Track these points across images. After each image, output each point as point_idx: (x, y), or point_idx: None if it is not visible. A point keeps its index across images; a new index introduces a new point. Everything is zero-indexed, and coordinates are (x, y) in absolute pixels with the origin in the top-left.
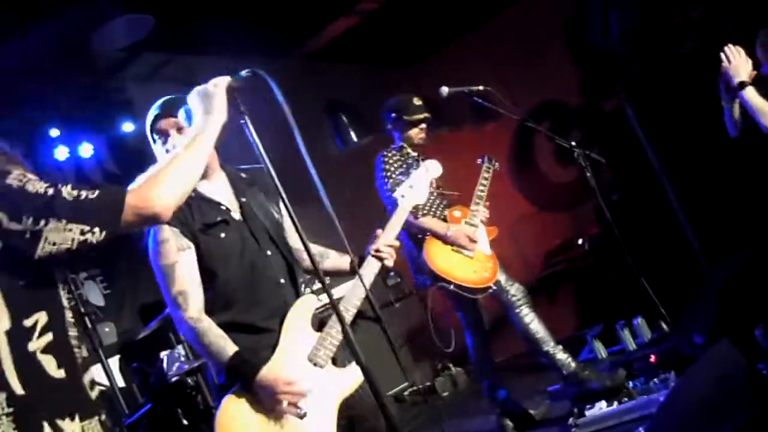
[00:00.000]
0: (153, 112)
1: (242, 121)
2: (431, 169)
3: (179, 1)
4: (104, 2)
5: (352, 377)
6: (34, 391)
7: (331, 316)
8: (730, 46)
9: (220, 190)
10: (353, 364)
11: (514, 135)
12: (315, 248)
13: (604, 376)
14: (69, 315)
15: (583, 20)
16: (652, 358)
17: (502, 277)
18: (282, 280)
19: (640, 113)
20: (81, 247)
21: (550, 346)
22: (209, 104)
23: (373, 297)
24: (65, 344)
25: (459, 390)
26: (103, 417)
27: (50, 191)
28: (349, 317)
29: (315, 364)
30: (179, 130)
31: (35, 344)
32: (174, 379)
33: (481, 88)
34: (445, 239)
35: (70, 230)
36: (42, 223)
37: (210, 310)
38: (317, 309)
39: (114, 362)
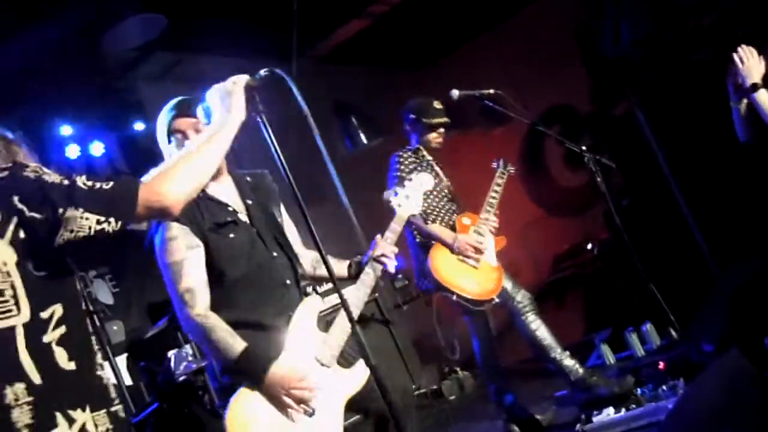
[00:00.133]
0: (168, 112)
1: (259, 120)
2: (424, 182)
3: (190, 2)
4: (117, 2)
5: (357, 377)
6: (50, 381)
7: (337, 318)
8: (744, 47)
9: (226, 191)
10: (358, 364)
11: (524, 139)
12: (311, 254)
13: (613, 382)
14: (82, 304)
15: (595, 26)
16: (661, 365)
17: (508, 284)
18: (288, 281)
19: (651, 118)
20: (98, 235)
21: (557, 353)
22: (228, 102)
23: (381, 300)
24: (79, 336)
25: (466, 394)
26: (114, 408)
27: (66, 181)
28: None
29: (322, 364)
30: (197, 130)
31: (50, 336)
32: (181, 378)
33: (491, 91)
34: (451, 248)
35: (87, 219)
36: (60, 211)
37: (215, 308)
38: (322, 311)
39: (122, 360)
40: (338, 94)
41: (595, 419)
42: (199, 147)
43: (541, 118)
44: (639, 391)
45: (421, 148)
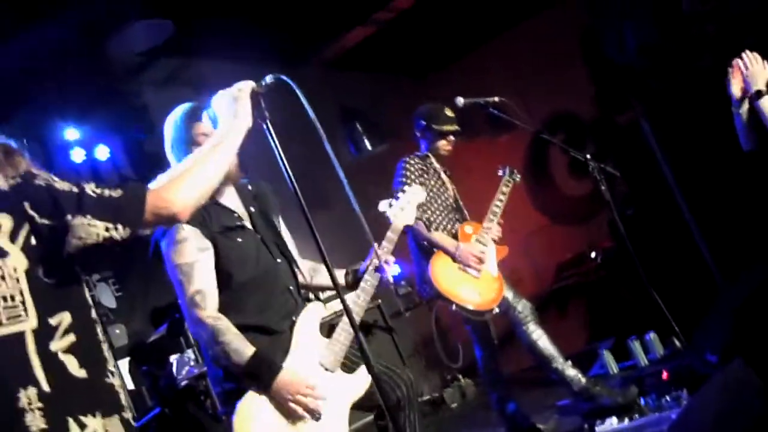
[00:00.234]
0: (187, 119)
1: (264, 126)
2: (417, 194)
3: (196, 7)
4: (124, 6)
5: (361, 382)
6: (58, 388)
7: (339, 323)
8: (748, 52)
9: (231, 198)
10: (361, 368)
11: (529, 146)
12: (306, 263)
13: (616, 392)
14: (94, 313)
15: (599, 34)
16: (665, 375)
17: (509, 294)
18: (291, 287)
19: (656, 127)
20: (106, 242)
21: (559, 363)
22: (234, 108)
23: (384, 306)
24: (90, 344)
25: (468, 402)
26: (126, 415)
27: (75, 189)
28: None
29: (326, 369)
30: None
31: (57, 344)
32: (183, 383)
33: (496, 99)
34: (453, 257)
35: (95, 226)
36: (69, 218)
37: (223, 311)
38: (324, 317)
39: (124, 364)
40: (343, 100)
41: (598, 429)
42: (207, 153)
43: (546, 125)
44: (642, 401)
45: (430, 155)
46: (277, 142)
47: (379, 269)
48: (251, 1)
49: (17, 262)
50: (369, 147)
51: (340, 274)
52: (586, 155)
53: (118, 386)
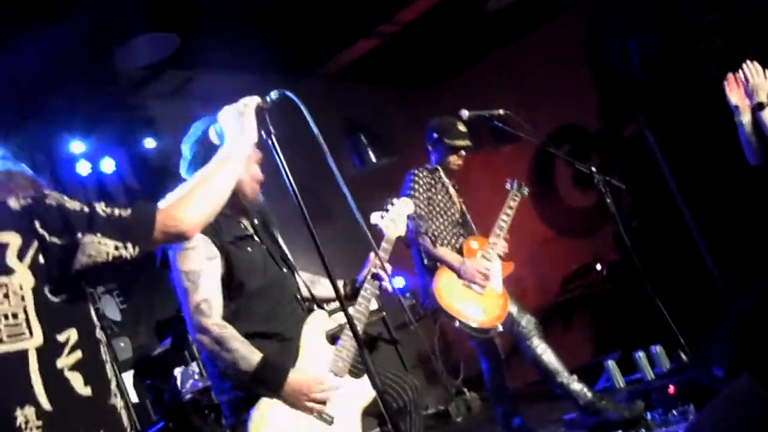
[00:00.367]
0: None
1: (269, 142)
2: (406, 206)
3: (201, 21)
4: (130, 19)
5: (366, 391)
6: (60, 407)
7: (345, 330)
8: (750, 63)
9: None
10: (366, 377)
11: (533, 158)
12: (304, 275)
13: (622, 406)
14: (100, 333)
15: (604, 46)
16: (671, 389)
17: (513, 309)
18: (297, 296)
19: (661, 139)
20: (115, 261)
21: (564, 377)
22: (240, 124)
23: (388, 319)
24: (95, 362)
25: (473, 415)
26: None
27: (86, 208)
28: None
29: (335, 374)
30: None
31: (63, 361)
32: (188, 396)
33: (501, 112)
34: (458, 273)
35: (105, 245)
36: (79, 236)
37: (233, 319)
38: (330, 329)
39: (128, 377)
40: (347, 112)
41: None
42: (214, 170)
43: (551, 137)
44: (649, 415)
45: (439, 168)
46: (281, 157)
47: (377, 277)
48: (256, 15)
49: (24, 279)
50: (373, 159)
51: (339, 285)
52: (591, 168)
53: (122, 407)
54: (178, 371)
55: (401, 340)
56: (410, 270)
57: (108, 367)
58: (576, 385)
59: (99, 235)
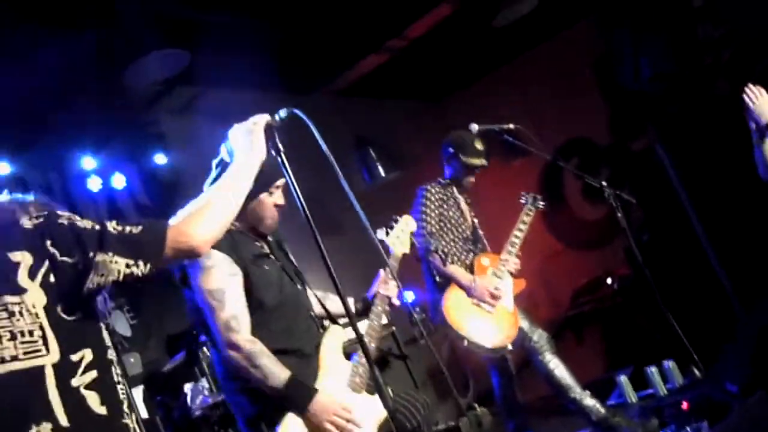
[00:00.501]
0: None
1: (279, 159)
2: (409, 224)
3: (211, 37)
4: (141, 36)
5: (380, 407)
6: (77, 424)
7: (357, 348)
8: (751, 86)
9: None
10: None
11: (543, 171)
12: (317, 292)
13: (636, 423)
14: (112, 353)
15: (614, 60)
16: (684, 405)
17: (524, 324)
18: (312, 312)
19: (671, 153)
20: (127, 279)
21: (577, 393)
22: (249, 142)
23: (398, 334)
24: (109, 382)
25: (484, 431)
26: None
27: (97, 227)
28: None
29: (353, 391)
30: None
31: (78, 380)
32: (197, 412)
33: (511, 126)
34: (468, 292)
35: (116, 263)
36: (91, 255)
37: (252, 335)
38: (345, 342)
39: (138, 393)
40: (356, 127)
41: None
42: (223, 187)
43: (560, 150)
44: None
45: (452, 183)
46: (291, 174)
47: (386, 294)
48: (265, 30)
49: (35, 298)
50: (382, 174)
51: (350, 303)
52: (601, 182)
53: (133, 428)
54: (188, 387)
55: (411, 355)
56: (421, 284)
57: (119, 387)
58: (589, 401)
59: (110, 253)
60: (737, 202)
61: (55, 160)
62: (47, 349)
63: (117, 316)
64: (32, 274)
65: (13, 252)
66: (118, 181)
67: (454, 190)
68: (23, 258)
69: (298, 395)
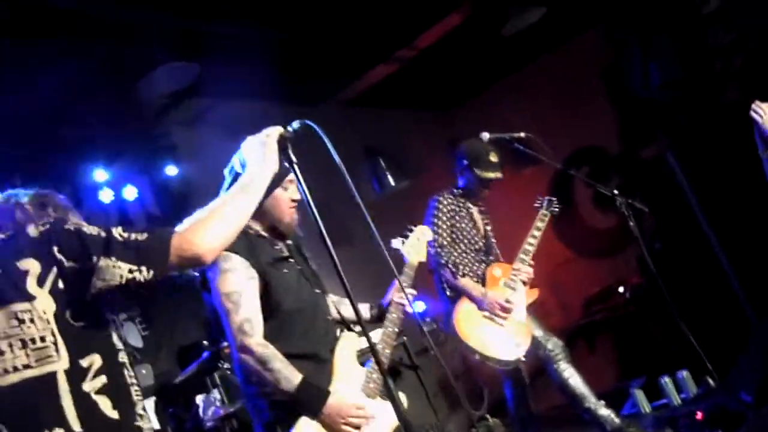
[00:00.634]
0: None
1: (291, 171)
2: (424, 233)
3: (220, 49)
4: (151, 49)
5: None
6: (90, 429)
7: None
8: (758, 103)
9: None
10: (398, 395)
11: (553, 179)
12: (332, 297)
13: None
14: (123, 356)
15: (623, 67)
16: (699, 415)
17: (538, 332)
18: (329, 317)
19: (682, 161)
20: (129, 283)
21: (592, 402)
22: (262, 154)
23: (409, 345)
24: (120, 386)
25: None
26: None
27: (103, 233)
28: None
29: (367, 396)
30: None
31: (89, 385)
32: (209, 424)
33: (522, 135)
34: (479, 305)
35: (119, 267)
36: (94, 259)
37: (270, 339)
38: (360, 350)
39: (150, 404)
40: (366, 137)
41: None
42: (233, 197)
43: (570, 158)
44: None
45: (465, 192)
46: (303, 185)
47: (400, 303)
48: (274, 41)
49: (45, 305)
50: (392, 183)
51: (365, 308)
52: (613, 190)
53: (147, 429)
54: (200, 398)
55: (422, 365)
56: (432, 294)
57: (133, 390)
58: (603, 411)
59: (114, 258)
60: (749, 210)
61: (67, 173)
62: (58, 355)
63: (129, 327)
64: (41, 282)
65: (21, 260)
66: (130, 192)
67: (467, 200)
68: (31, 266)
69: (311, 398)
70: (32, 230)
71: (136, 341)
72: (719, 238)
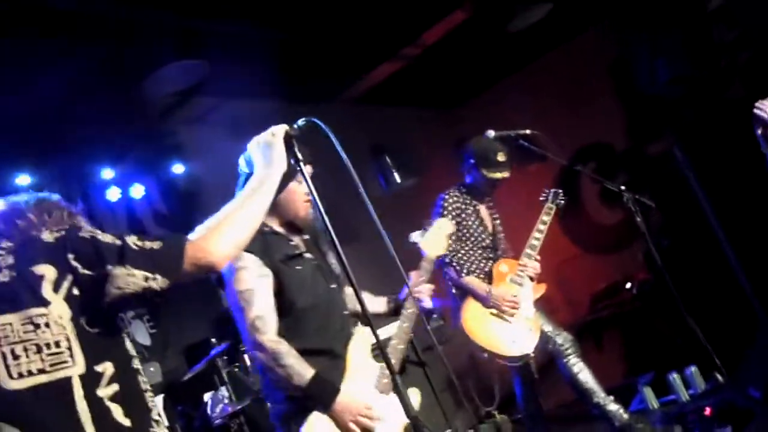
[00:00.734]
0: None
1: (298, 169)
2: (446, 226)
3: (227, 48)
4: (159, 47)
5: (414, 404)
6: None
7: (389, 348)
8: (762, 101)
9: (289, 226)
10: (412, 391)
11: (559, 174)
12: (350, 291)
13: (659, 429)
14: (136, 363)
15: (630, 64)
16: (707, 411)
17: (548, 327)
18: (345, 312)
19: (690, 156)
20: (145, 292)
21: (601, 397)
22: (270, 155)
23: (416, 341)
24: (133, 393)
25: None
26: None
27: (118, 242)
28: (399, 354)
29: (380, 392)
30: None
31: (103, 391)
32: (218, 421)
33: (527, 132)
34: (484, 303)
35: (134, 276)
36: (109, 268)
37: (285, 336)
38: (374, 343)
39: (158, 402)
40: (371, 134)
41: None
42: (244, 202)
43: (576, 154)
44: None
45: (471, 189)
46: (310, 183)
47: (416, 297)
48: (279, 40)
49: (61, 311)
50: (398, 180)
51: (382, 302)
52: (620, 186)
53: None
54: (208, 396)
55: (430, 362)
56: (441, 291)
57: (147, 396)
58: (612, 406)
59: (129, 267)
60: (757, 205)
61: (74, 171)
62: (74, 361)
63: (136, 325)
64: (56, 287)
65: (36, 266)
66: (137, 191)
67: (474, 197)
68: (47, 271)
69: (322, 393)
70: (47, 236)
71: (144, 339)
72: (726, 233)
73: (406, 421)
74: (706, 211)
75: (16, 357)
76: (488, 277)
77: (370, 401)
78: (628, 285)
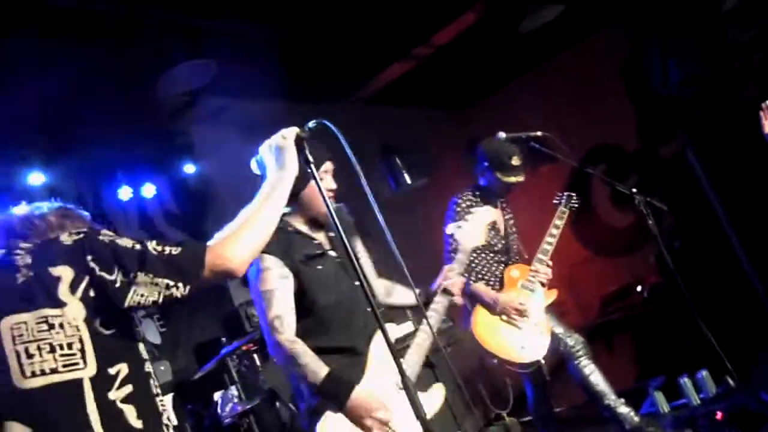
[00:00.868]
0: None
1: (309, 170)
2: (486, 215)
3: (238, 48)
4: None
5: (434, 401)
6: None
7: (412, 344)
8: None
9: (312, 224)
10: (434, 388)
11: (570, 176)
12: (383, 283)
13: None
14: (149, 366)
15: (642, 64)
16: (719, 415)
17: (559, 329)
18: (368, 309)
19: (702, 158)
20: (167, 299)
21: (611, 400)
22: (281, 158)
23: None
24: (146, 396)
25: None
26: None
27: (138, 246)
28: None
29: (400, 389)
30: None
31: (115, 394)
32: (227, 420)
33: (539, 133)
34: (492, 309)
35: (157, 284)
36: (132, 275)
37: (307, 335)
38: (398, 338)
39: (168, 401)
40: (382, 135)
41: None
42: (260, 207)
43: (588, 156)
44: None
45: (484, 192)
46: (321, 185)
47: (449, 290)
48: (290, 40)
49: (76, 312)
50: (408, 181)
51: (410, 296)
52: (631, 189)
53: None
54: (218, 395)
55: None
56: None
57: (158, 400)
58: (623, 409)
59: (151, 275)
60: None
61: (86, 171)
62: (85, 363)
63: (147, 324)
64: (73, 288)
65: (53, 267)
66: (148, 190)
67: (487, 200)
68: (64, 272)
69: (336, 391)
70: (66, 238)
71: (155, 338)
72: (739, 235)
73: (427, 417)
74: (719, 213)
75: (30, 356)
76: (499, 282)
77: (388, 398)
78: (640, 288)
